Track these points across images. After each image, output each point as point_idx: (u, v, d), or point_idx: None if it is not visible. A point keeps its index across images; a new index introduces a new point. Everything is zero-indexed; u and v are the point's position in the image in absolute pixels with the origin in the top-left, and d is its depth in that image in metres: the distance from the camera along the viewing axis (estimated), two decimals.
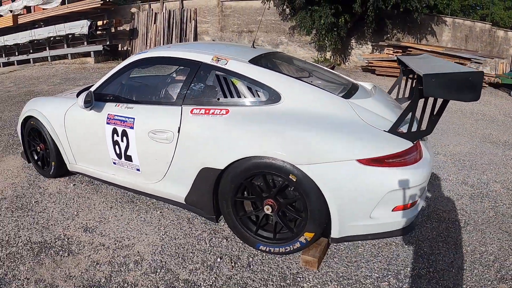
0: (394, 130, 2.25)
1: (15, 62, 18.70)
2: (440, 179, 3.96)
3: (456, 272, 2.41)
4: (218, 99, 2.64)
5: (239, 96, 2.60)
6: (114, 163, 3.07)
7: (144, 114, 2.82)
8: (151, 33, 15.89)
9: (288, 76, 2.64)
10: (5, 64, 19.03)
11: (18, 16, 18.72)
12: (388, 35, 13.80)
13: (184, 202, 2.76)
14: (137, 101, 3.04)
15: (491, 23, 13.91)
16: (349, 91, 2.77)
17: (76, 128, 3.28)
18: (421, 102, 2.20)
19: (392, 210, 2.24)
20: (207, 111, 2.57)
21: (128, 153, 2.92)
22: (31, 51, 18.44)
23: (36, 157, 3.86)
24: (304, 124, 2.33)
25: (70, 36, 16.69)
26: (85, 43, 16.36)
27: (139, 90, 3.49)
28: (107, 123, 2.97)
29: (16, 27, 18.77)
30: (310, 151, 2.21)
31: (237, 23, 15.42)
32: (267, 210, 2.39)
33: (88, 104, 3.00)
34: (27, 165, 4.17)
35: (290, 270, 2.38)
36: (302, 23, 12.91)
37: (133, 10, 16.67)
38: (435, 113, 2.22)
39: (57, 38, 17.28)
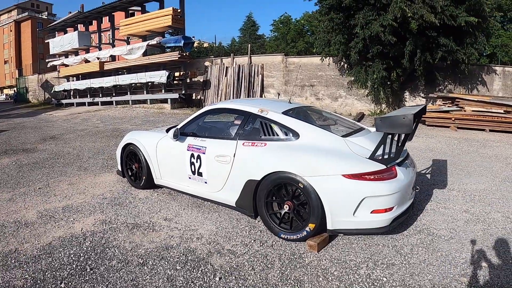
0: (372, 156, 3.36)
1: (99, 102, 21.62)
2: (443, 208, 4.63)
3: (425, 266, 3.24)
4: (260, 136, 3.99)
5: (273, 135, 3.94)
6: (190, 177, 4.47)
7: (213, 145, 4.24)
8: (222, 84, 17.76)
9: (305, 122, 3.94)
10: (90, 104, 22.08)
11: (104, 63, 21.76)
12: (440, 87, 14.43)
13: (235, 205, 4.04)
14: (208, 136, 4.48)
15: None
16: (351, 132, 4.00)
17: (165, 152, 4.75)
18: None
19: (371, 213, 3.31)
20: (253, 144, 3.92)
21: (200, 170, 4.31)
22: (114, 94, 21.24)
23: (130, 173, 5.34)
24: (311, 151, 3.58)
25: (149, 83, 19.13)
26: (163, 90, 18.66)
27: (210, 129, 4.98)
28: (187, 149, 4.41)
29: (101, 72, 21.82)
30: (312, 168, 3.41)
31: (300, 78, 16.88)
32: (286, 208, 3.58)
33: (176, 137, 4.49)
34: (121, 180, 5.69)
35: (299, 250, 3.47)
36: (358, 78, 14.05)
37: (207, 63, 18.79)
38: (399, 144, 3.31)
39: (138, 84, 19.83)
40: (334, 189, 3.31)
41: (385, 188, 3.29)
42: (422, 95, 14.86)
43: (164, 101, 18.43)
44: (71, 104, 23.51)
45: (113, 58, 22.39)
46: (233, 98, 16.99)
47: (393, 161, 3.42)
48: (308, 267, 3.19)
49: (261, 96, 17.43)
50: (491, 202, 4.88)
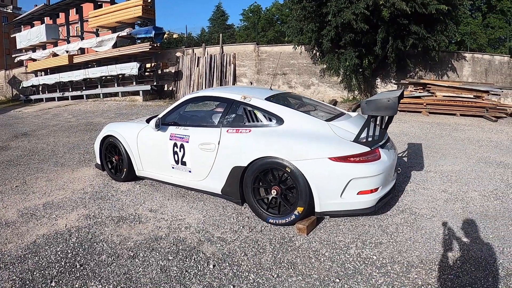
0: (356, 139, 3.45)
1: (69, 97, 20.96)
2: (422, 189, 4.77)
3: (411, 243, 3.35)
4: (244, 123, 3.98)
5: (258, 121, 3.94)
6: (173, 167, 4.41)
7: (196, 133, 4.19)
8: (194, 75, 17.53)
9: (289, 108, 3.98)
10: (60, 99, 21.36)
11: (73, 56, 21.03)
12: (411, 73, 14.73)
13: (220, 193, 4.03)
14: (191, 124, 4.43)
15: (510, 55, 14.52)
16: (334, 117, 4.06)
17: (146, 143, 4.67)
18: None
19: (357, 194, 3.40)
20: (237, 131, 3.91)
21: (183, 160, 4.27)
22: (84, 88, 20.63)
23: (110, 166, 5.24)
24: (296, 136, 3.61)
25: (120, 76, 18.69)
26: (134, 83, 18.26)
27: (192, 118, 4.93)
28: (170, 139, 4.35)
29: (70, 66, 21.10)
30: (299, 152, 3.46)
31: (272, 66, 16.86)
32: (274, 193, 3.62)
33: (157, 126, 4.42)
34: (100, 174, 5.58)
35: (288, 234, 3.52)
36: (331, 65, 14.16)
37: (178, 54, 18.51)
38: (383, 127, 3.39)
39: (108, 77, 19.34)
40: (321, 172, 3.37)
41: (370, 169, 3.37)
42: (394, 81, 15.12)
43: (136, 93, 18.05)
44: (40, 100, 22.68)
45: (82, 51, 21.66)
46: (206, 88, 16.84)
47: (376, 144, 3.50)
48: (300, 249, 3.24)
49: (233, 85, 17.34)
50: (467, 182, 5.08)
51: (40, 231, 3.73)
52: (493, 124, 10.52)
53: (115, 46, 19.07)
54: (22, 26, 27.37)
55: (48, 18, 24.09)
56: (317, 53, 15.45)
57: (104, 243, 3.43)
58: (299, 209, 3.49)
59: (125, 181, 5.10)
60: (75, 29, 24.48)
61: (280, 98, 4.35)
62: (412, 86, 13.75)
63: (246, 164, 3.70)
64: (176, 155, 4.32)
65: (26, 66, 25.44)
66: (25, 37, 24.01)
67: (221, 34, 18.57)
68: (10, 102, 24.92)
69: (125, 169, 4.96)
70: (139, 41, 18.48)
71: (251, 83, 16.00)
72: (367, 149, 3.41)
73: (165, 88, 18.85)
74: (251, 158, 3.66)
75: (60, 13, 23.62)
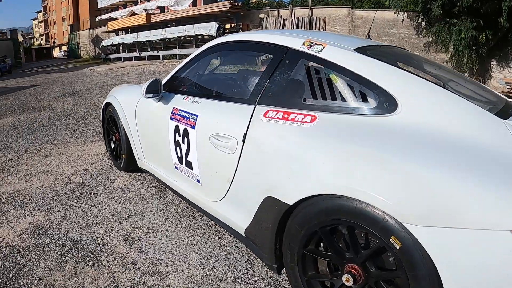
0: None
1: (146, 57, 20.36)
2: None
3: None
4: (304, 100, 1.80)
5: (334, 99, 1.73)
6: (176, 167, 2.52)
7: (208, 112, 2.19)
8: None
9: (413, 75, 1.66)
10: (137, 58, 20.90)
11: (152, 15, 20.25)
12: None
13: (244, 235, 2.00)
14: (206, 94, 2.49)
15: None
16: (504, 109, 1.73)
17: (144, 121, 2.88)
18: None
19: None
20: (285, 116, 1.78)
21: (188, 159, 2.33)
22: (162, 48, 19.86)
23: (112, 147, 3.63)
24: (431, 154, 1.37)
25: (199, 37, 17.48)
26: None
27: (211, 82, 2.91)
28: (171, 118, 2.44)
29: (149, 26, 20.39)
30: (434, 204, 1.25)
31: (369, 35, 14.48)
32: (347, 281, 1.51)
33: (154, 94, 2.56)
34: (107, 154, 4.07)
35: None
36: (439, 37, 11.54)
37: (262, 15, 16.78)
38: None
39: (187, 38, 18.27)
40: (488, 265, 1.16)
41: None
42: None
43: None
44: (119, 59, 22.56)
45: (162, 10, 20.87)
46: None
47: None
48: None
49: None
50: None
51: None
52: None
53: (194, 4, 17.86)
54: None
55: None
56: (423, 22, 12.66)
57: None
58: None
59: (127, 171, 3.48)
60: None
61: (387, 56, 1.98)
62: None
63: (292, 201, 1.60)
64: (178, 149, 2.40)
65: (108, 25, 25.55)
66: None
67: None
68: (91, 60, 25.42)
69: (123, 156, 3.30)
70: None
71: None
72: None
73: None
74: (305, 190, 1.55)
75: None
